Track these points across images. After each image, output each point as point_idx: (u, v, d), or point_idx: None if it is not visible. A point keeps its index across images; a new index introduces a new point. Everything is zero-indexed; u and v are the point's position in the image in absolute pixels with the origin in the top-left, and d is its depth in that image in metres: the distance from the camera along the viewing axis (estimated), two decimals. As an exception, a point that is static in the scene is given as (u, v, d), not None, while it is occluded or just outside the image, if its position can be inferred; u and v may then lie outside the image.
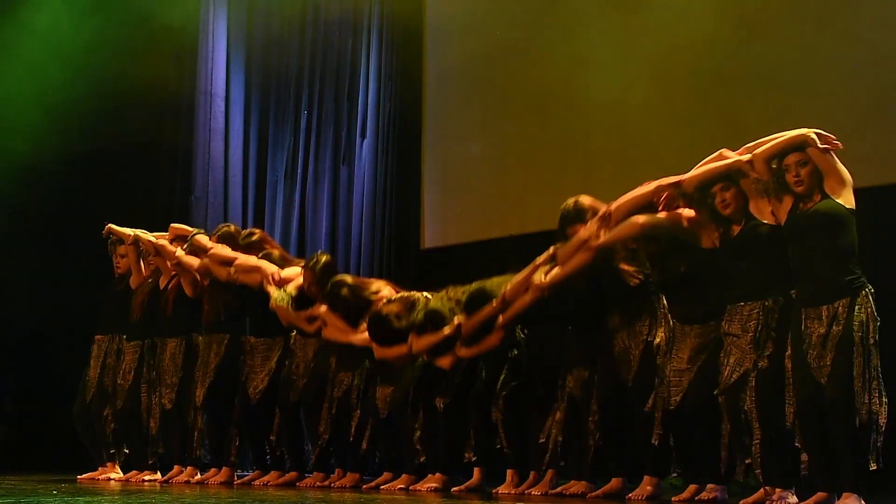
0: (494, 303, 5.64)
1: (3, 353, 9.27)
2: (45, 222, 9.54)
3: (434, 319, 5.82)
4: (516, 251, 8.15)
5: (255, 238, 7.13)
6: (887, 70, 6.42)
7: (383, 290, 6.38)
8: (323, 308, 6.44)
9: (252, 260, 6.88)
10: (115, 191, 9.53)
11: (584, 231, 5.28)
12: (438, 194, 8.79)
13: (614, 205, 5.18)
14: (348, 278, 6.55)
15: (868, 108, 6.50)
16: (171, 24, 9.35)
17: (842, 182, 4.58)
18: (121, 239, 7.61)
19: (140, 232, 7.55)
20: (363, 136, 9.19)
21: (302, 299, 6.60)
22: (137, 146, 9.53)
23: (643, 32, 7.58)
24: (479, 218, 8.46)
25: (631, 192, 5.19)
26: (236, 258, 6.92)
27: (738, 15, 7.18)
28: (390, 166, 8.99)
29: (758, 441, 4.68)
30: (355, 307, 6.30)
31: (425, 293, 6.11)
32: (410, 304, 6.02)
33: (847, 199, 4.57)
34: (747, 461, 4.77)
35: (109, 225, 7.65)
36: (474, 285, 5.83)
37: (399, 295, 6.20)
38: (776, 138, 4.69)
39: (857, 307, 4.45)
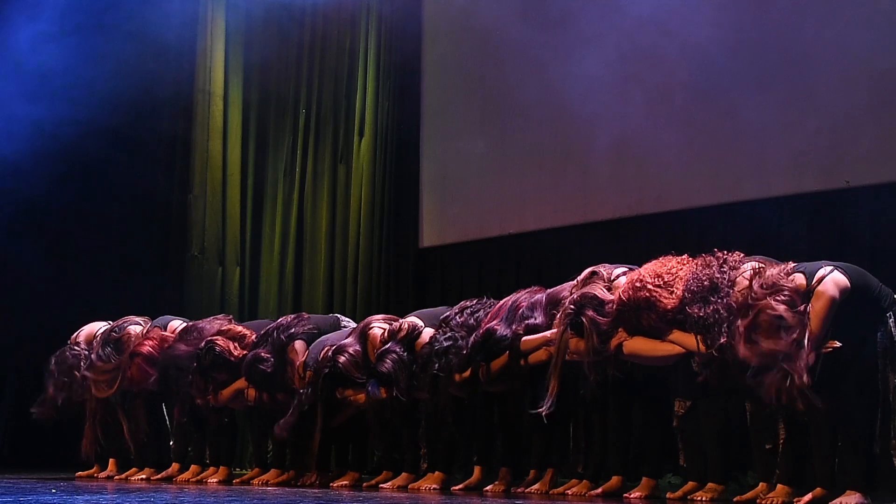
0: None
1: (3, 353, 9.26)
2: (43, 222, 9.51)
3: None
4: (515, 250, 8.19)
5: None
6: (887, 69, 6.41)
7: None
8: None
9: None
10: (113, 190, 9.51)
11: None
12: (437, 193, 8.78)
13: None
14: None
15: (868, 108, 6.50)
16: (169, 22, 9.33)
17: None
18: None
19: None
20: (361, 135, 9.17)
21: None
22: (136, 145, 9.51)
23: (642, 31, 7.58)
24: (478, 216, 8.44)
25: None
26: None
27: (737, 13, 7.18)
28: (388, 165, 8.98)
29: (783, 440, 4.77)
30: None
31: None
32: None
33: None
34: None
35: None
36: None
37: None
38: None
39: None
